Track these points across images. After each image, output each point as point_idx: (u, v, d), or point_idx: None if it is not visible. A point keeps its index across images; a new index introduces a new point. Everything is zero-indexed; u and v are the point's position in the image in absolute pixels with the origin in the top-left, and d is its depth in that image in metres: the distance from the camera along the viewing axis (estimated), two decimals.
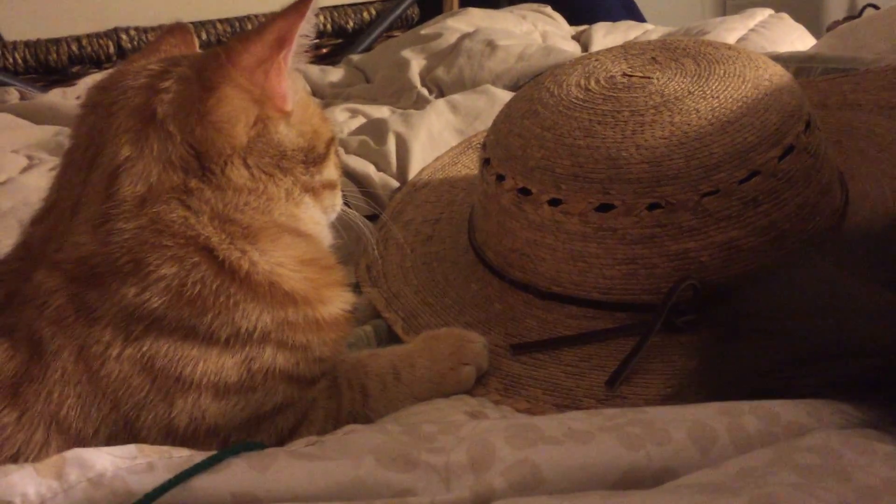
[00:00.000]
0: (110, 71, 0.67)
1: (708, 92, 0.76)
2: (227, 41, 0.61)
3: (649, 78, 0.80)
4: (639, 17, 2.28)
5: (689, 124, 0.73)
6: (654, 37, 1.60)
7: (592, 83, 0.82)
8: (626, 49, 0.88)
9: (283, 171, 0.62)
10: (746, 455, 0.46)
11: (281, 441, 0.60)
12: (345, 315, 0.64)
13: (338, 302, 0.64)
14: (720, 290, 0.72)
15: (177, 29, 0.72)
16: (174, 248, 0.57)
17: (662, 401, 0.65)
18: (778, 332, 0.63)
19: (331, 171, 0.67)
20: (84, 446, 0.53)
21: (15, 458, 0.53)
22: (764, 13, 1.59)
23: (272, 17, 0.60)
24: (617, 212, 0.73)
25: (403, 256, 0.93)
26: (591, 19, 1.91)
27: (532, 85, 0.89)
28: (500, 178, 0.81)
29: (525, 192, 0.78)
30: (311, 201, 0.65)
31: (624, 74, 0.82)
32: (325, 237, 0.67)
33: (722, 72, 0.79)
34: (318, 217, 0.66)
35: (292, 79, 0.63)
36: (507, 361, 0.74)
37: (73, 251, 0.57)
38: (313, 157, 0.65)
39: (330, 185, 0.67)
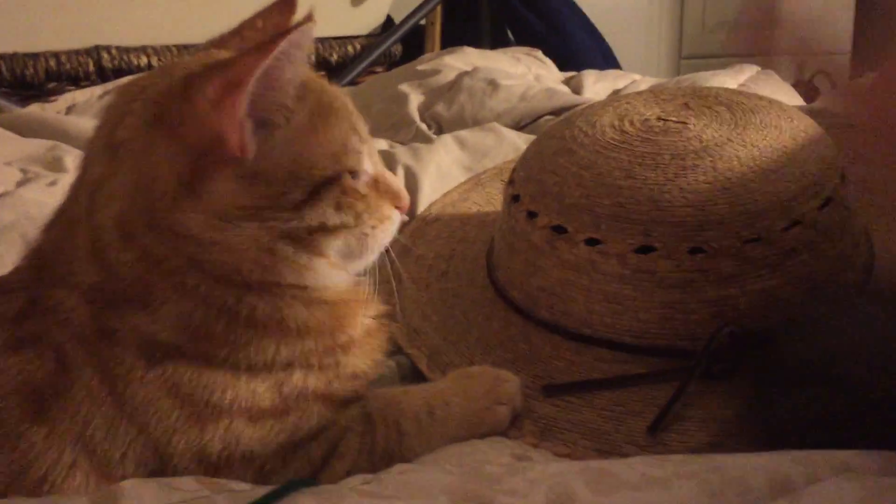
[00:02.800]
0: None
1: (747, 140, 0.76)
2: (185, 74, 0.55)
3: (685, 123, 0.80)
4: (617, 67, 2.32)
5: (731, 171, 0.73)
6: (642, 86, 1.61)
7: (627, 125, 0.81)
8: (656, 93, 0.88)
9: (248, 218, 0.54)
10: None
11: (314, 473, 0.57)
12: (375, 323, 0.61)
13: (361, 320, 0.61)
14: (756, 338, 0.71)
15: (276, 7, 0.63)
16: (172, 283, 0.53)
17: (710, 448, 0.64)
18: (828, 380, 0.62)
19: (325, 214, 0.57)
20: (111, 469, 0.51)
21: (42, 480, 0.49)
22: (752, 69, 1.62)
23: (234, 56, 0.54)
24: (657, 254, 0.72)
25: (419, 291, 0.90)
26: (574, 66, 1.93)
27: (561, 124, 0.88)
28: (532, 215, 0.79)
29: (560, 230, 0.76)
30: (296, 250, 0.56)
31: (658, 118, 0.81)
32: (337, 279, 0.60)
33: (758, 121, 0.79)
34: (314, 264, 0.57)
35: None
36: (538, 403, 0.72)
37: (83, 277, 0.54)
38: (289, 202, 0.55)
39: (324, 229, 0.57)
